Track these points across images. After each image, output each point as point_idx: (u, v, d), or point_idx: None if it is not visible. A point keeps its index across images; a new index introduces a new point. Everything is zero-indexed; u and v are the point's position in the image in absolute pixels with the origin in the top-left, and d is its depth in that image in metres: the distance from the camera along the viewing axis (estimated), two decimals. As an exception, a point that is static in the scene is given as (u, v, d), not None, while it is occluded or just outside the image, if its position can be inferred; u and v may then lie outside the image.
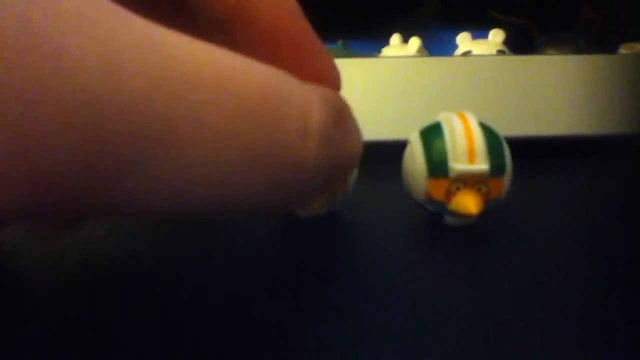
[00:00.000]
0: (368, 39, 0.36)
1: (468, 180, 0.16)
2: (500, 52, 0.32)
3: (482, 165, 0.16)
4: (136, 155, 0.08)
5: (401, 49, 0.34)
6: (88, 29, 0.07)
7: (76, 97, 0.07)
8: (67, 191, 0.07)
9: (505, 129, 0.18)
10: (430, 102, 0.24)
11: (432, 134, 0.17)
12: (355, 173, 0.17)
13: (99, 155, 0.07)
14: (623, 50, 0.32)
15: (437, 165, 0.16)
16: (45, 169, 0.07)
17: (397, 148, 0.18)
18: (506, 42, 0.33)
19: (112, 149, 0.07)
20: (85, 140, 0.07)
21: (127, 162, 0.08)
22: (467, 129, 0.16)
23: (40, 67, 0.07)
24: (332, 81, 0.14)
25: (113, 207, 0.08)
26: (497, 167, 0.16)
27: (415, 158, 0.17)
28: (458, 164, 0.16)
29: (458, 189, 0.16)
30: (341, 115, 0.11)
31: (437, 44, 0.36)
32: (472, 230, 0.18)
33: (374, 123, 0.23)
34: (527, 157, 0.19)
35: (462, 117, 0.17)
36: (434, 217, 0.18)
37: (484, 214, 0.17)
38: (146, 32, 0.08)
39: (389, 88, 0.24)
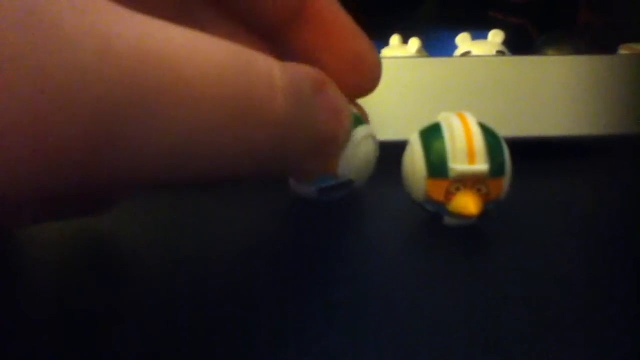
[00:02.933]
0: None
1: (468, 181, 0.16)
2: (500, 53, 0.32)
3: (481, 165, 0.16)
4: (133, 125, 0.09)
5: (401, 49, 0.34)
6: (84, 15, 0.08)
7: (77, 74, 0.08)
8: (74, 162, 0.08)
9: (505, 130, 0.18)
10: (430, 102, 0.24)
11: (431, 134, 0.17)
12: (365, 169, 0.17)
13: (99, 128, 0.08)
14: (622, 50, 0.32)
15: (437, 165, 0.16)
16: (52, 143, 0.08)
17: (396, 149, 0.18)
18: (506, 43, 0.33)
19: (110, 121, 0.08)
20: (87, 114, 0.08)
21: (125, 131, 0.09)
22: (467, 130, 0.16)
23: (41, 50, 0.07)
24: (371, 60, 0.17)
25: (115, 174, 0.09)
26: (496, 168, 0.16)
27: (414, 159, 0.17)
28: (458, 165, 0.16)
29: (458, 189, 0.16)
30: (320, 86, 0.13)
31: (437, 44, 0.36)
32: (471, 231, 0.18)
33: (374, 123, 0.23)
34: (527, 158, 0.19)
35: (462, 118, 0.17)
36: (433, 217, 0.18)
37: (484, 214, 0.17)
38: (135, 18, 0.09)
39: (388, 89, 0.24)
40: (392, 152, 0.18)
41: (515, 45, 0.33)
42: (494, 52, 0.32)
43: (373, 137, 0.18)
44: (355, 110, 0.17)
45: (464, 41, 0.34)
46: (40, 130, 0.08)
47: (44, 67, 0.07)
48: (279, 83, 0.12)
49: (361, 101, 0.18)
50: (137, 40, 0.09)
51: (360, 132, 0.17)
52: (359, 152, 0.17)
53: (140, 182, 0.10)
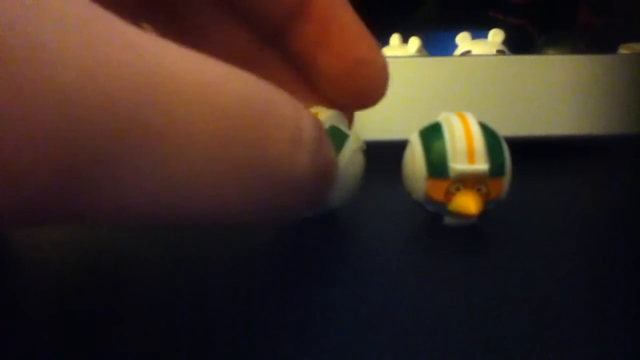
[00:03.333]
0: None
1: (468, 181, 0.16)
2: (500, 52, 0.32)
3: (481, 165, 0.16)
4: (116, 159, 0.07)
5: (401, 48, 0.34)
6: (71, 28, 0.07)
7: (53, 100, 0.07)
8: (45, 197, 0.07)
9: (505, 129, 0.18)
10: (430, 102, 0.24)
11: (431, 134, 0.17)
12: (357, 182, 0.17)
13: (76, 158, 0.07)
14: (622, 50, 0.32)
15: (437, 165, 0.16)
16: (20, 175, 0.07)
17: (396, 148, 0.18)
18: (505, 42, 0.33)
19: (90, 153, 0.07)
20: (63, 144, 0.07)
21: (107, 166, 0.07)
22: (467, 129, 0.16)
23: (14, 64, 0.06)
24: (375, 65, 0.15)
25: (94, 213, 0.08)
26: (497, 168, 0.16)
27: (414, 158, 0.17)
28: (458, 164, 0.16)
29: (458, 189, 0.16)
30: (321, 125, 0.11)
31: (437, 44, 0.36)
32: (471, 230, 0.18)
33: (374, 123, 0.23)
34: (527, 158, 0.19)
35: (462, 117, 0.17)
36: (433, 217, 0.18)
37: (484, 214, 0.17)
38: (129, 36, 0.08)
39: (388, 88, 0.24)
40: (392, 151, 0.18)
41: (515, 45, 0.33)
42: (494, 52, 0.32)
43: (359, 149, 0.17)
44: (334, 122, 0.16)
45: (464, 40, 0.34)
46: (5, 159, 0.07)
47: (12, 86, 0.06)
48: (306, 137, 0.10)
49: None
50: (131, 70, 0.08)
51: (346, 152, 0.16)
52: (348, 173, 0.16)
53: (124, 222, 0.09)
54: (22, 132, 0.07)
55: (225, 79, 0.09)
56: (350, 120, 0.18)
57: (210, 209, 0.09)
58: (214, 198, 0.09)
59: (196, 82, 0.08)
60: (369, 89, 0.16)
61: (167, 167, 0.08)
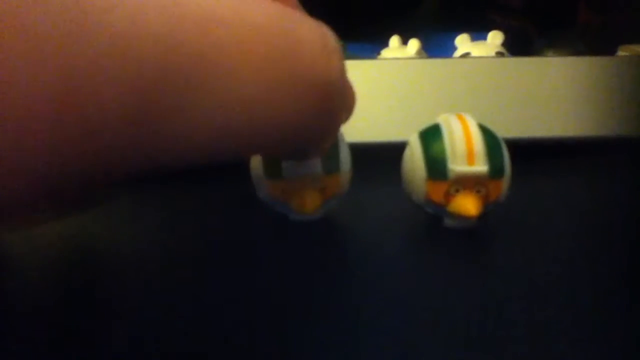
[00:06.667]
0: (367, 40, 0.36)
1: (467, 182, 0.16)
2: (499, 54, 0.32)
3: (481, 167, 0.16)
4: (174, 93, 0.08)
5: (400, 50, 0.34)
6: None
7: (106, 48, 0.07)
8: (112, 137, 0.08)
9: (504, 131, 0.18)
10: (430, 104, 0.24)
11: (431, 135, 0.17)
12: (349, 176, 0.18)
13: (138, 99, 0.08)
14: (621, 52, 0.32)
15: (437, 167, 0.16)
16: (86, 115, 0.07)
17: (396, 150, 0.18)
18: (505, 44, 0.33)
19: (150, 91, 0.08)
20: (122, 87, 0.07)
21: (167, 102, 0.08)
22: (466, 131, 0.16)
23: (66, 21, 0.07)
24: None
25: (162, 155, 0.09)
26: (496, 169, 0.16)
27: (414, 160, 0.17)
28: (457, 166, 0.16)
29: (457, 191, 0.16)
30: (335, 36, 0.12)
31: (436, 45, 0.36)
32: (471, 232, 0.18)
33: (373, 125, 0.23)
34: (526, 159, 0.19)
35: (461, 119, 0.17)
36: (433, 219, 0.18)
37: (483, 215, 0.17)
38: None
39: (388, 90, 0.24)
40: (391, 153, 0.18)
41: (514, 47, 0.33)
42: (493, 53, 0.32)
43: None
44: None
45: (463, 42, 0.34)
46: (73, 102, 0.07)
47: (70, 36, 0.07)
48: (332, 44, 0.11)
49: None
50: (172, 9, 0.08)
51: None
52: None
53: (178, 163, 0.09)
54: (88, 84, 0.07)
55: (255, 4, 0.10)
56: None
57: (268, 127, 0.10)
58: (270, 115, 0.10)
59: (231, 10, 0.09)
60: None
61: (226, 93, 0.09)
